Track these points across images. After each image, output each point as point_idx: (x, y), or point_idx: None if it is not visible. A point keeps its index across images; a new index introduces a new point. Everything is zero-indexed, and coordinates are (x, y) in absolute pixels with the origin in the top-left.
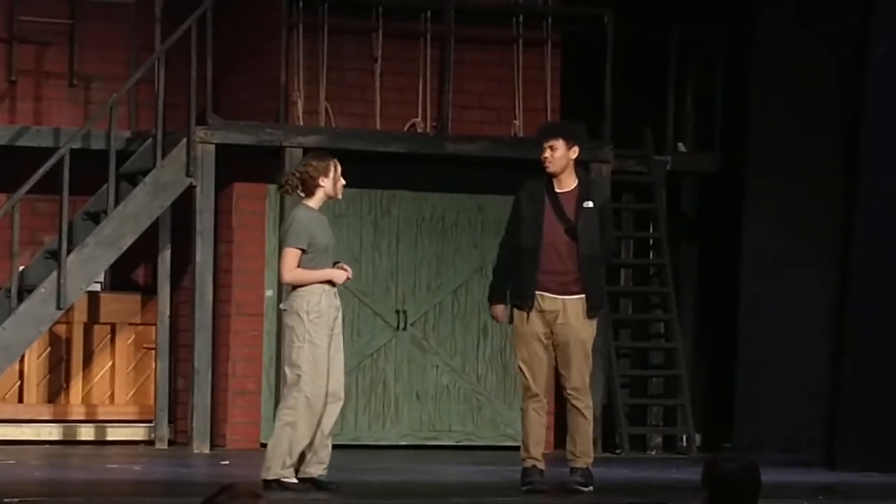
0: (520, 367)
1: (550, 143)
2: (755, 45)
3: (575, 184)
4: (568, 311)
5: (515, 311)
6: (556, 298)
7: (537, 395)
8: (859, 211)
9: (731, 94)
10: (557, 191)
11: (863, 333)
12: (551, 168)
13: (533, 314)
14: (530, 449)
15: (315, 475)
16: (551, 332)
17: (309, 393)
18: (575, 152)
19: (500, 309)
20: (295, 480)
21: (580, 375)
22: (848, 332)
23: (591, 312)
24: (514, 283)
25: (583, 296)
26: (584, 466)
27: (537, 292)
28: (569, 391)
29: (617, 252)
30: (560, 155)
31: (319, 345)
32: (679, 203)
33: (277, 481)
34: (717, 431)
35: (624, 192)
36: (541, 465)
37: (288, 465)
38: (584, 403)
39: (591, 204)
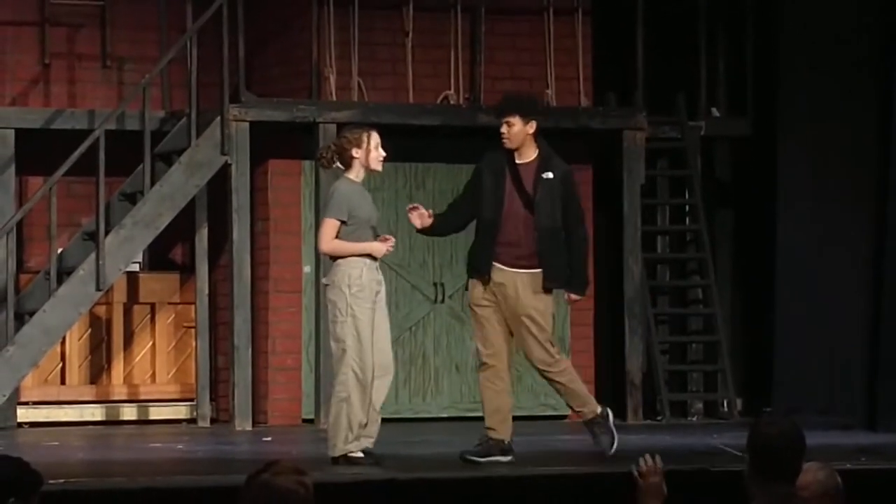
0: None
1: (507, 118)
2: (784, 7)
3: (535, 155)
4: (517, 284)
5: (470, 280)
6: (505, 271)
7: (487, 363)
8: (894, 171)
9: (763, 57)
10: (517, 162)
11: None
12: (509, 144)
13: (483, 282)
14: (486, 418)
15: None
16: (498, 300)
17: (356, 367)
18: (532, 126)
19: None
20: (361, 454)
21: (539, 348)
22: (886, 292)
23: (547, 285)
24: (470, 254)
25: (534, 271)
26: (592, 415)
27: (493, 263)
28: (536, 366)
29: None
30: (517, 130)
31: (361, 318)
32: (713, 168)
33: (344, 456)
34: (758, 395)
35: (658, 159)
36: (497, 435)
37: (350, 439)
38: (556, 370)
39: (550, 175)
